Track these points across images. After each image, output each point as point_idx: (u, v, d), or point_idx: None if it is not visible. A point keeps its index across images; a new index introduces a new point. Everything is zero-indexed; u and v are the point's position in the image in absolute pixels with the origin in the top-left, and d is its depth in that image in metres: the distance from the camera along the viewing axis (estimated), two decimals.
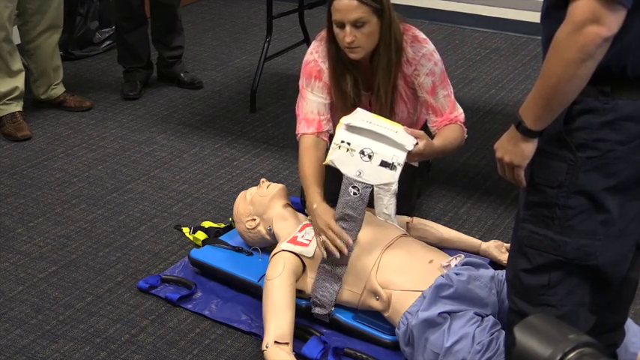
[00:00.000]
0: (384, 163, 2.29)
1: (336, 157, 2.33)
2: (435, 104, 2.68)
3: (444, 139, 2.60)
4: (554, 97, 1.60)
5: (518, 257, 1.80)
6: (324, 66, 2.66)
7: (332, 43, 2.59)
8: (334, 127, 2.72)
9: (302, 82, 2.70)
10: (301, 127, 2.65)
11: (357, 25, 2.48)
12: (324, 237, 2.37)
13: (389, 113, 2.66)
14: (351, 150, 2.32)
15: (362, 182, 2.29)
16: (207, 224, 2.97)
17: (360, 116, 2.41)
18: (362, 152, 2.31)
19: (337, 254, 2.34)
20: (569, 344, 1.63)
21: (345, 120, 2.38)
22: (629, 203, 1.71)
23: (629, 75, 1.62)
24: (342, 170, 2.31)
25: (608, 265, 1.75)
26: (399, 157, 2.29)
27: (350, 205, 2.34)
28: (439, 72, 2.67)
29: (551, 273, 1.76)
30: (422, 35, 2.69)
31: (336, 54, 2.60)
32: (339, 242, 2.34)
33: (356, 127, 2.35)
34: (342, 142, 2.33)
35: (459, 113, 2.72)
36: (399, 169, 2.28)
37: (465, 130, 2.72)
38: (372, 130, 2.33)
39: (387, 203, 2.36)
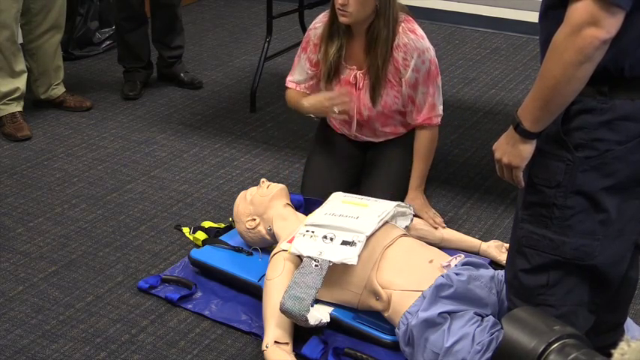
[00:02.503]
0: (345, 243, 2.39)
1: (298, 243, 2.42)
2: (416, 98, 2.84)
3: (425, 160, 2.92)
4: (552, 99, 1.61)
5: (517, 257, 1.80)
6: (313, 34, 2.91)
7: (332, 7, 2.80)
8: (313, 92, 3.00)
9: (300, 46, 3.01)
10: (287, 82, 3.06)
11: None
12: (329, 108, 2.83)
13: (376, 90, 2.83)
14: (315, 236, 2.43)
15: (323, 259, 2.35)
16: (207, 224, 2.97)
17: (332, 200, 2.62)
18: (324, 237, 2.41)
19: (343, 108, 2.82)
20: (553, 335, 1.65)
21: (307, 221, 2.50)
22: (627, 203, 1.71)
23: (626, 76, 1.62)
24: (305, 253, 2.38)
25: (606, 265, 1.75)
26: (359, 237, 2.39)
27: (307, 274, 2.33)
28: (425, 70, 2.80)
29: (549, 273, 1.76)
30: (420, 31, 2.83)
31: (332, 18, 2.81)
32: (333, 103, 2.80)
33: (319, 224, 2.47)
34: (307, 231, 2.45)
35: (435, 115, 2.88)
36: (360, 245, 2.37)
37: (436, 129, 2.92)
38: (333, 224, 2.45)
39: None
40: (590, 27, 1.50)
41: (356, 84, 2.87)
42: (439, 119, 2.90)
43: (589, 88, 1.61)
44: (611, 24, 1.51)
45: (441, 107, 2.90)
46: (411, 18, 2.83)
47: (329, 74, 2.88)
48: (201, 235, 2.87)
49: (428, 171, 2.96)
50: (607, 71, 1.61)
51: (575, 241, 1.71)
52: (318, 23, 2.92)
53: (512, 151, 1.72)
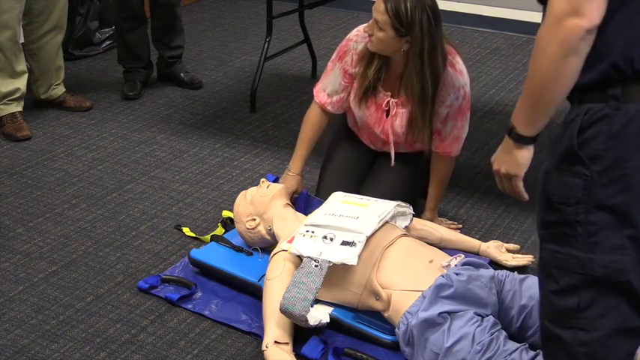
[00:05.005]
0: (345, 243, 2.39)
1: (298, 243, 2.42)
2: (442, 130, 2.82)
3: (442, 186, 2.94)
4: (541, 98, 1.54)
5: (545, 279, 1.68)
6: (353, 46, 2.82)
7: None
8: (340, 109, 2.96)
9: (335, 53, 2.90)
10: (316, 92, 2.96)
11: (377, 24, 2.63)
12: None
13: (413, 134, 2.82)
14: (315, 236, 2.43)
15: (323, 259, 2.35)
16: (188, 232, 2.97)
17: (332, 200, 2.62)
18: (324, 237, 2.41)
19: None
20: None
21: (307, 222, 2.50)
22: None
23: (638, 69, 1.52)
24: (304, 253, 2.38)
25: None
26: (359, 237, 2.39)
27: (307, 274, 2.32)
28: (457, 105, 2.77)
29: (580, 294, 1.61)
30: (460, 65, 2.76)
31: None
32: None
33: (319, 224, 2.47)
34: (307, 231, 2.45)
35: (456, 148, 2.87)
36: (360, 245, 2.37)
37: (454, 159, 2.93)
38: (333, 224, 2.45)
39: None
40: (571, 17, 1.44)
41: (388, 110, 2.83)
42: (459, 151, 2.90)
43: (600, 93, 1.53)
44: (593, 11, 1.44)
45: (463, 140, 2.87)
46: (453, 49, 2.76)
47: (365, 93, 2.81)
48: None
49: (444, 193, 2.99)
50: (617, 70, 1.52)
51: (604, 257, 1.57)
52: (361, 37, 2.80)
53: (509, 160, 1.67)
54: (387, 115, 2.84)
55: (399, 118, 2.82)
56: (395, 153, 2.93)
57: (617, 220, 1.56)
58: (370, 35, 2.68)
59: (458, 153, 2.90)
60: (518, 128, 1.62)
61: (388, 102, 2.81)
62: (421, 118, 2.75)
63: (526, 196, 1.73)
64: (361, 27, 2.81)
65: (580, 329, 1.62)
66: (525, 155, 1.65)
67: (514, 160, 1.67)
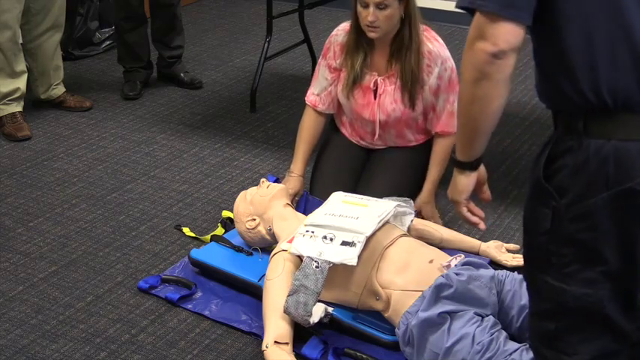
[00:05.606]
0: (344, 243, 2.39)
1: (298, 243, 2.42)
2: (436, 104, 2.89)
3: (441, 166, 2.93)
4: (465, 123, 1.53)
5: (530, 299, 1.65)
6: (334, 40, 2.94)
7: (355, 20, 2.84)
8: (331, 104, 3.03)
9: (320, 55, 3.03)
10: (307, 97, 3.07)
11: (379, 7, 2.72)
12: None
13: (413, 94, 2.86)
14: (315, 236, 2.43)
15: (323, 260, 2.35)
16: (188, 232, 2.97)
17: (332, 200, 2.61)
18: (324, 237, 2.41)
19: None
20: None
21: (307, 221, 2.51)
22: (637, 245, 1.47)
23: (593, 103, 1.44)
24: (304, 253, 2.38)
25: (621, 317, 1.52)
26: (359, 237, 2.39)
27: (308, 276, 2.31)
28: (447, 77, 2.86)
29: (556, 319, 1.57)
30: (441, 40, 2.89)
31: (356, 31, 2.84)
32: None
33: (318, 224, 2.47)
34: (307, 231, 2.46)
35: (453, 125, 2.89)
36: (360, 245, 2.37)
37: (454, 137, 2.85)
38: (333, 224, 2.45)
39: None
40: (478, 41, 1.45)
41: (376, 90, 2.90)
42: (455, 130, 2.91)
43: (566, 120, 1.48)
44: (497, 35, 1.42)
45: None
46: (428, 27, 2.88)
47: (354, 82, 2.90)
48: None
49: (441, 175, 2.97)
50: (573, 101, 1.44)
51: (576, 289, 1.50)
52: (340, 30, 2.94)
53: (451, 185, 1.67)
54: (375, 97, 2.90)
55: (388, 95, 2.89)
56: (388, 148, 3.00)
57: (586, 256, 1.48)
58: (372, 22, 2.74)
59: (454, 130, 2.90)
60: (456, 152, 1.62)
61: (376, 81, 2.89)
62: (416, 66, 2.81)
63: (480, 224, 1.72)
64: (341, 25, 2.95)
65: (561, 352, 1.58)
66: (464, 181, 1.65)
67: (454, 185, 1.67)
